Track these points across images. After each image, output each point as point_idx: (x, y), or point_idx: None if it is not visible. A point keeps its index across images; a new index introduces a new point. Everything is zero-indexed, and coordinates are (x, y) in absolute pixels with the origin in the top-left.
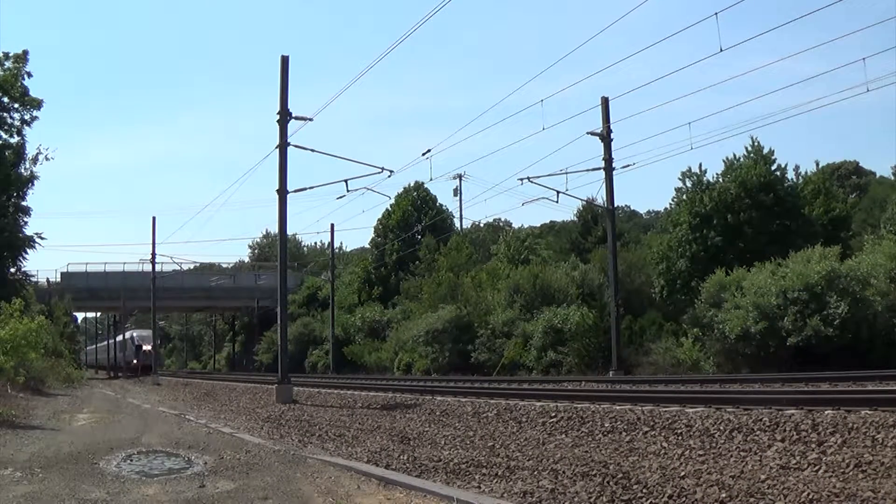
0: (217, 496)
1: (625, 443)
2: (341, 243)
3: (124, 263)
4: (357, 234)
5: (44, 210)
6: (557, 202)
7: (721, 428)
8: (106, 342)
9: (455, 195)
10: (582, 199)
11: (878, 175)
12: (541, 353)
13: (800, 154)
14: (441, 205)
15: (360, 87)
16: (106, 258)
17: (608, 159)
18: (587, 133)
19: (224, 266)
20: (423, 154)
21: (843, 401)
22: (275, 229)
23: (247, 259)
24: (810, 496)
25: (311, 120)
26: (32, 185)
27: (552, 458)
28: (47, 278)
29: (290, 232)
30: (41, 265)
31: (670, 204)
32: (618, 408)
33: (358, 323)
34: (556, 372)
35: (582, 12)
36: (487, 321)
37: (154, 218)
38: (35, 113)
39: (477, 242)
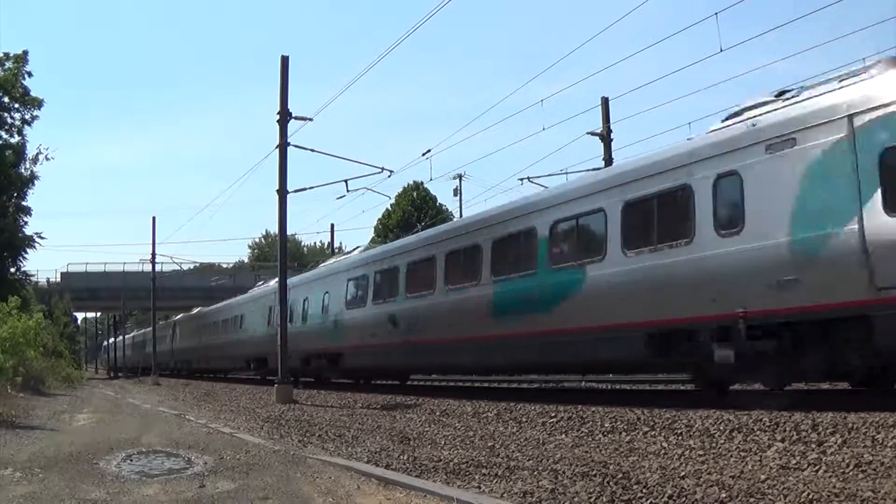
0: (217, 496)
1: (625, 443)
2: (341, 243)
3: (124, 263)
4: (357, 234)
5: (44, 210)
6: None
7: (721, 428)
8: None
9: (455, 195)
10: None
11: None
12: None
13: None
14: (441, 205)
15: (360, 87)
16: (106, 258)
17: (608, 159)
18: (587, 133)
19: (224, 266)
20: (423, 154)
21: (843, 401)
22: (275, 229)
23: (247, 259)
24: (810, 496)
25: (311, 120)
26: (33, 184)
27: (552, 458)
28: (47, 278)
29: (290, 232)
30: (41, 265)
31: None
32: (618, 408)
33: None
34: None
35: (582, 12)
36: None
37: (154, 218)
38: (35, 112)
39: None
